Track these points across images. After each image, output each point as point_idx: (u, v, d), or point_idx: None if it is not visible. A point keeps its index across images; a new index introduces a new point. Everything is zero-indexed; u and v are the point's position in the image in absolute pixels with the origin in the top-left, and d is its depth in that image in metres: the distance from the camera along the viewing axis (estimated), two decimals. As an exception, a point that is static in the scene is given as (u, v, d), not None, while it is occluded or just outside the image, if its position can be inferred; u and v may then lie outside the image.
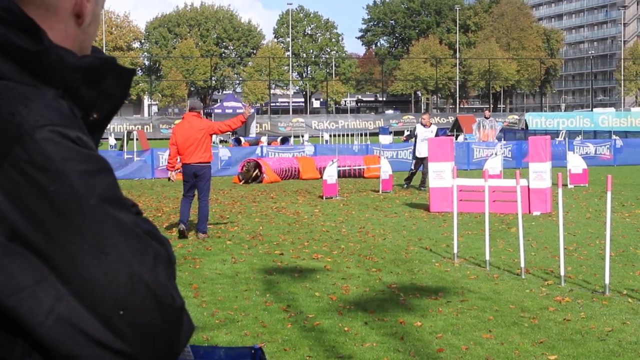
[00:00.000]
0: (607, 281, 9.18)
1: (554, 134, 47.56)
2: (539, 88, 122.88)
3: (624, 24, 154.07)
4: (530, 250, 12.14)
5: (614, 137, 39.60)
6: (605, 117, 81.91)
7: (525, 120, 77.14)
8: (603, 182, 22.04)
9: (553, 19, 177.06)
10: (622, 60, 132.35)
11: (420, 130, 22.67)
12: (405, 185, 22.99)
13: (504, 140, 38.26)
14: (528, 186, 16.98)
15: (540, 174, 16.96)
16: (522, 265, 10.30)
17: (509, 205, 15.73)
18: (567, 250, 11.79)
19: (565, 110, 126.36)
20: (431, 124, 23.06)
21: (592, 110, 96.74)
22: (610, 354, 6.86)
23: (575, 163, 23.45)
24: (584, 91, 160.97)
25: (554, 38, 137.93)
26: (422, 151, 22.00)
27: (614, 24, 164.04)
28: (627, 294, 9.12)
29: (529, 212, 16.78)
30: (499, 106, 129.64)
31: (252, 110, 13.36)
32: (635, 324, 7.81)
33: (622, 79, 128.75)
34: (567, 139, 34.34)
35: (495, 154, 25.75)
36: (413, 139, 23.10)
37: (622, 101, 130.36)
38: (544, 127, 74.23)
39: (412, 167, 22.98)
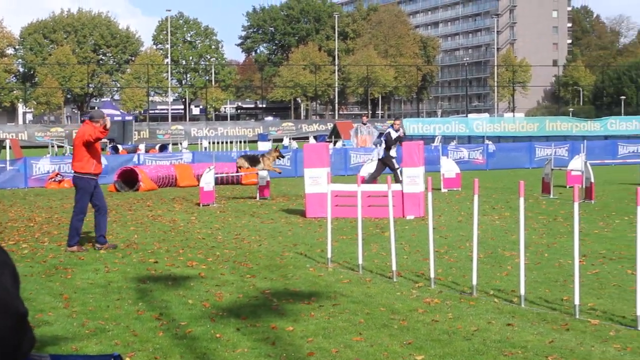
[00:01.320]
0: (474, 282, 9.43)
1: (431, 139, 48.49)
2: (416, 94, 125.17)
3: (497, 31, 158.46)
4: (403, 253, 12.35)
5: (487, 142, 40.69)
6: (479, 123, 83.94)
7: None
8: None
9: (429, 27, 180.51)
10: (496, 67, 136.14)
11: (393, 135, 22.89)
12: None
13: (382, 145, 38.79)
14: (402, 191, 17.27)
15: (413, 178, 17.28)
16: (394, 268, 10.47)
17: (384, 210, 15.94)
18: (438, 253, 12.07)
19: (441, 116, 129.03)
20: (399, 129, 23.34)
21: (467, 116, 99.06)
22: (475, 352, 7.04)
23: (449, 168, 24.00)
24: (459, 97, 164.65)
25: (431, 45, 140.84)
26: (394, 154, 22.82)
27: (487, 31, 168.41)
28: (494, 294, 9.38)
29: (403, 216, 17.07)
30: (377, 112, 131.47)
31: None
32: (499, 323, 8.04)
33: (496, 85, 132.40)
34: (442, 144, 35.10)
35: (372, 159, 26.10)
36: (383, 144, 23.06)
37: (496, 107, 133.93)
38: (421, 132, 75.51)
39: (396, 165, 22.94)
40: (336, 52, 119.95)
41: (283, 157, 23.90)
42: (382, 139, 23.37)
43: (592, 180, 19.68)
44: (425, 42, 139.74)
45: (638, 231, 7.85)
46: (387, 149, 22.75)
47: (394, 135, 22.71)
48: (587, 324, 7.91)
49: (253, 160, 22.40)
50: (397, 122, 23.49)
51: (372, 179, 22.47)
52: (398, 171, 22.26)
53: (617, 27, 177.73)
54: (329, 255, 11.67)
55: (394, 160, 22.77)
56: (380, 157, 22.84)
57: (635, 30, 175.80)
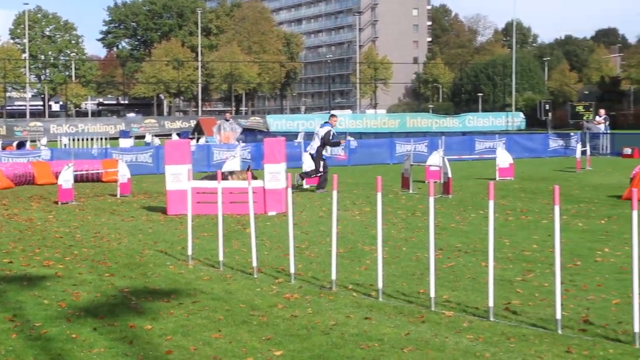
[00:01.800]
0: (334, 277, 9.53)
1: (295, 135, 48.69)
2: (279, 91, 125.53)
3: (360, 29, 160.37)
4: (264, 249, 12.37)
5: (349, 138, 41.14)
6: (342, 119, 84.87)
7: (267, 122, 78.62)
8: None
9: (293, 24, 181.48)
10: (358, 64, 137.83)
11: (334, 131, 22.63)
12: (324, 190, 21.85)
13: (245, 142, 38.80)
14: (264, 187, 17.30)
15: (275, 175, 17.33)
16: (255, 264, 10.49)
17: (245, 206, 15.93)
18: (298, 249, 12.16)
19: (305, 113, 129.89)
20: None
21: (330, 112, 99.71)
22: (333, 346, 7.12)
23: (311, 164, 24.11)
24: (322, 94, 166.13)
25: (294, 42, 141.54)
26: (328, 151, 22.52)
27: (350, 29, 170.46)
28: (353, 288, 9.51)
29: (265, 213, 17.11)
30: (241, 109, 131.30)
31: None
32: (357, 316, 8.15)
33: (358, 82, 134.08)
34: (304, 140, 35.31)
35: (234, 156, 26.05)
36: (318, 141, 22.35)
37: (358, 103, 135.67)
38: (285, 129, 76.00)
39: (321, 169, 22.20)
40: (199, 48, 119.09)
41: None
42: (319, 135, 22.22)
43: (450, 175, 20.18)
44: (289, 38, 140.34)
45: (491, 224, 8.09)
46: (322, 146, 22.27)
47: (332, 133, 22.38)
48: (442, 316, 8.11)
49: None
50: (335, 118, 23.15)
51: (316, 174, 22.17)
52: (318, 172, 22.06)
53: (475, 25, 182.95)
54: (190, 253, 11.59)
55: (323, 162, 22.25)
56: (311, 152, 22.24)
57: (491, 29, 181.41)
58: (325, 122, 22.75)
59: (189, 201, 11.85)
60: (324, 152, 22.56)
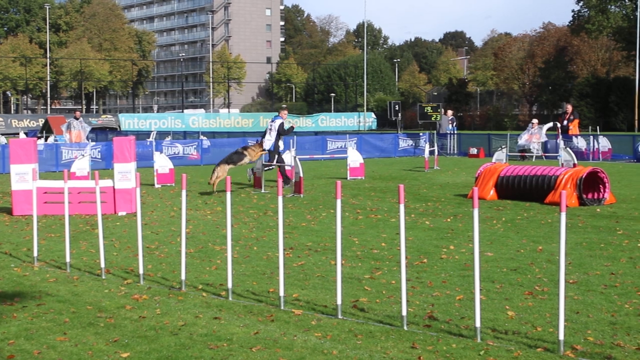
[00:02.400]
0: (183, 277, 9.46)
1: (147, 134, 48.03)
2: (131, 89, 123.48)
3: (213, 28, 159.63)
4: (113, 250, 12.17)
5: (201, 137, 40.90)
6: (195, 118, 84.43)
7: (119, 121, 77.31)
8: (188, 181, 22.63)
9: (145, 21, 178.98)
10: (211, 63, 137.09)
11: (286, 125, 22.16)
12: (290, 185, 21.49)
13: (96, 141, 38.09)
14: (113, 187, 17.01)
15: (125, 174, 17.05)
16: (103, 265, 10.30)
17: (94, 206, 15.63)
18: (148, 249, 12.02)
19: (157, 112, 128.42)
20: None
21: (183, 111, 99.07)
22: (181, 347, 7.07)
23: (162, 163, 23.92)
24: (175, 93, 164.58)
25: (146, 40, 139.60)
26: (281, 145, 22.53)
27: (203, 27, 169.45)
28: (202, 288, 9.46)
29: (115, 213, 16.83)
30: (92, 107, 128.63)
31: None
32: (207, 317, 8.12)
33: (211, 81, 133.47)
34: (156, 139, 34.90)
35: (83, 155, 25.51)
36: (275, 133, 21.97)
37: (212, 103, 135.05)
38: (137, 127, 74.86)
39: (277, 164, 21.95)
40: (48, 45, 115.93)
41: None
42: (273, 128, 22.17)
43: (302, 174, 20.32)
44: (141, 36, 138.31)
45: (338, 223, 8.20)
46: (279, 137, 22.25)
47: (286, 125, 22.32)
48: (291, 314, 8.16)
49: (235, 159, 21.62)
50: (285, 111, 23.13)
51: (283, 170, 21.93)
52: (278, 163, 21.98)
53: (327, 26, 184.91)
54: (35, 254, 11.29)
55: (278, 156, 22.26)
56: (270, 148, 22.05)
57: (343, 30, 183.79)
58: (276, 116, 22.97)
59: (34, 201, 11.53)
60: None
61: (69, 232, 11.07)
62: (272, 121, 22.64)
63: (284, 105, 27.06)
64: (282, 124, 22.34)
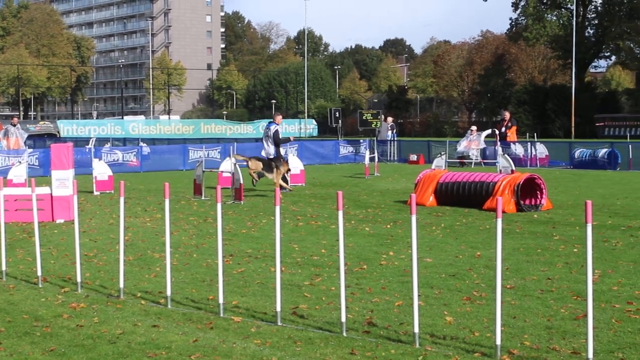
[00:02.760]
0: (122, 285, 9.38)
1: (86, 141, 47.50)
2: (70, 95, 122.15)
3: (152, 34, 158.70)
4: (50, 258, 12.02)
5: (141, 144, 40.60)
6: (135, 125, 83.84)
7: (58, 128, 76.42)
8: (128, 188, 22.45)
9: (84, 27, 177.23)
10: (151, 69, 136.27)
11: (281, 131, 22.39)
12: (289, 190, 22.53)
13: (34, 148, 37.62)
14: (51, 194, 16.80)
15: (63, 181, 16.85)
16: (40, 273, 10.16)
17: (31, 214, 15.42)
18: (87, 257, 11.89)
19: (97, 118, 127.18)
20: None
21: (122, 118, 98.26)
22: (119, 355, 7.00)
23: (101, 170, 23.69)
24: (115, 99, 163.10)
25: (85, 46, 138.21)
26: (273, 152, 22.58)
27: (142, 34, 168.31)
28: (141, 296, 9.39)
29: (53, 220, 16.62)
30: (29, 113, 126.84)
31: None
32: (145, 324, 8.05)
33: (151, 87, 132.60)
34: (95, 146, 34.54)
35: (20, 162, 25.15)
36: (271, 141, 22.10)
37: (152, 109, 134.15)
38: (76, 134, 74.08)
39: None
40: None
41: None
42: (269, 136, 22.60)
43: (242, 181, 20.28)
44: (80, 42, 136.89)
45: (277, 230, 8.20)
46: (277, 146, 22.45)
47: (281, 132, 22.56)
48: (230, 322, 8.13)
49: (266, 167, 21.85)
50: (279, 117, 23.33)
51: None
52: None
53: (268, 33, 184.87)
54: (-30, 263, 11.09)
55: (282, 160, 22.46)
56: (271, 156, 22.10)
57: (284, 37, 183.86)
58: (270, 122, 23.24)
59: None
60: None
61: (5, 240, 10.90)
62: (267, 128, 22.89)
63: (279, 112, 27.14)
64: (276, 132, 22.78)
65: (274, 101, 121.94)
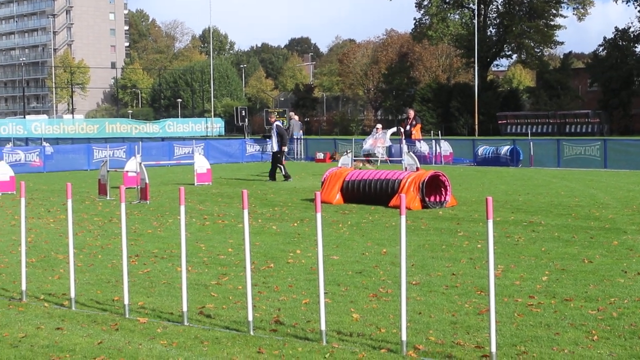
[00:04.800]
0: (24, 287, 9.19)
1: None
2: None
3: (54, 32, 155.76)
4: (-51, 261, 11.70)
5: (44, 143, 39.84)
6: (38, 124, 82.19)
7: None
8: (30, 188, 22.04)
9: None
10: (53, 67, 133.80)
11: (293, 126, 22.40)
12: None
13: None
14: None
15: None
16: (-62, 278, 9.89)
17: None
18: (-13, 260, 11.59)
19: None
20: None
21: (24, 117, 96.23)
22: (21, 359, 6.86)
23: (3, 170, 23.15)
24: (17, 98, 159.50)
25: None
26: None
27: (44, 31, 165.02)
28: (45, 298, 9.21)
29: (-49, 223, 16.19)
30: None
31: None
32: (49, 327, 7.90)
33: (54, 86, 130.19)
34: (-4, 146, 33.75)
35: None
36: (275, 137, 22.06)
37: (55, 108, 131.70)
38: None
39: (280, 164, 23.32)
40: None
41: None
42: (275, 132, 22.85)
43: (147, 181, 20.08)
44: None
45: (182, 229, 8.15)
46: (283, 143, 22.55)
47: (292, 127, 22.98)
48: (136, 323, 8.04)
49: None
50: (292, 113, 23.74)
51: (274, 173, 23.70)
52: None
53: (173, 31, 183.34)
54: None
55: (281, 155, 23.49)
56: (274, 150, 22.20)
57: (189, 35, 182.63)
58: (291, 118, 23.97)
59: None
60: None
61: None
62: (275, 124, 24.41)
63: (292, 110, 28.10)
64: (278, 125, 24.61)
65: (179, 100, 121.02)
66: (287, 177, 25.82)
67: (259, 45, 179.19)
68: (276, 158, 25.78)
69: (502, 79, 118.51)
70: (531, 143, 35.18)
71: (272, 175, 26.06)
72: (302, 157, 41.49)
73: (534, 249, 12.26)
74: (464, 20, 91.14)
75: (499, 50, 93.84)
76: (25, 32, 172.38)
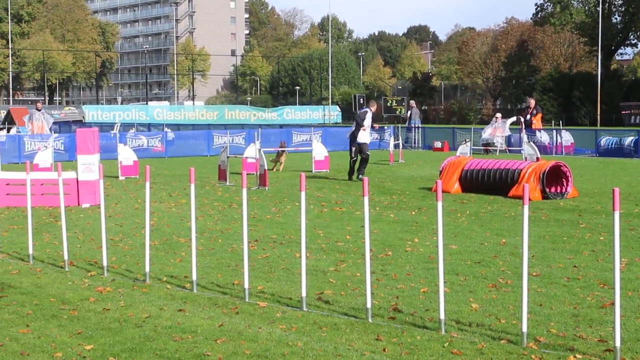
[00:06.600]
0: (147, 269, 9.42)
1: (111, 126, 47.71)
2: (95, 81, 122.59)
3: (177, 20, 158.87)
4: (77, 242, 12.08)
5: (166, 129, 40.72)
6: (160, 111, 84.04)
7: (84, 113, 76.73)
8: (153, 173, 22.56)
9: (108, 12, 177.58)
10: (175, 55, 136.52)
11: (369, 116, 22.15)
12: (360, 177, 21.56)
13: (59, 133, 37.84)
14: (77, 178, 16.88)
15: (88, 166, 16.92)
16: (66, 257, 10.22)
17: (58, 198, 15.52)
18: (112, 241, 11.95)
19: (122, 103, 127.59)
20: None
21: (147, 103, 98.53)
22: (145, 339, 7.03)
23: (126, 155, 23.79)
24: (139, 84, 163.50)
25: (110, 31, 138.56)
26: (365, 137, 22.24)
27: (167, 19, 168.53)
28: (167, 280, 9.42)
29: (79, 205, 16.71)
30: (55, 98, 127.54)
31: None
32: (171, 309, 8.08)
33: (176, 73, 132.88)
34: (120, 131, 34.69)
35: (46, 146, 25.30)
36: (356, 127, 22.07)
37: (176, 95, 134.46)
38: (101, 119, 74.42)
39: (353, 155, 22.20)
40: (9, 36, 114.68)
41: None
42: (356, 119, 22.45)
43: (266, 167, 20.29)
44: (104, 28, 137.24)
45: (303, 216, 8.20)
46: (357, 129, 22.13)
47: (368, 117, 22.18)
48: (255, 307, 8.15)
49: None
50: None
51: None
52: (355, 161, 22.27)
53: (292, 19, 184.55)
54: (-3, 246, 11.19)
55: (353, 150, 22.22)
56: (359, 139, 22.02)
57: (308, 23, 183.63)
58: (364, 107, 22.72)
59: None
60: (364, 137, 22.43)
61: (32, 224, 11.00)
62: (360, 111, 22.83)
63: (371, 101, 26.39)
64: (363, 112, 22.72)
65: (297, 87, 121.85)
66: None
67: (377, 33, 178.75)
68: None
69: (627, 68, 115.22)
70: (656, 134, 34.10)
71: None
72: (420, 145, 41.23)
73: (659, 242, 11.90)
74: (587, 7, 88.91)
75: (623, 38, 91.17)
76: (148, 20, 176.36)
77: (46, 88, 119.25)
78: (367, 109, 22.57)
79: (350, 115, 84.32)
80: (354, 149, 22.12)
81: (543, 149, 32.64)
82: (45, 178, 16.91)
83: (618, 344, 6.41)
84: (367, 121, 22.06)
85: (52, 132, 35.77)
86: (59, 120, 60.10)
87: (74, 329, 7.38)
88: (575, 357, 6.47)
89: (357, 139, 22.15)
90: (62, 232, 10.32)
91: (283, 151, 26.94)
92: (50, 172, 19.10)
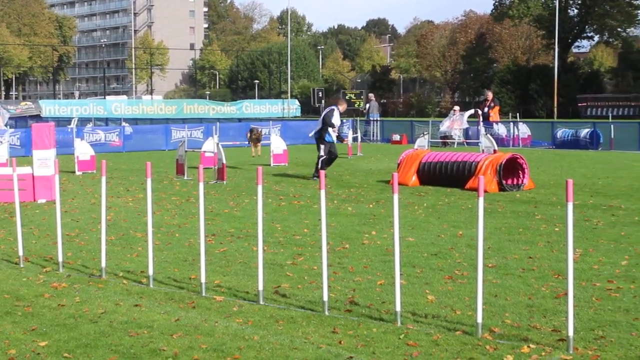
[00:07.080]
0: (104, 265, 9.36)
1: (68, 121, 47.30)
2: (52, 75, 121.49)
3: (135, 13, 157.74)
4: (32, 238, 11.97)
5: (124, 124, 40.47)
6: (118, 105, 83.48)
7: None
8: (110, 168, 22.39)
9: (65, 6, 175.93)
10: (133, 49, 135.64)
11: (336, 115, 20.87)
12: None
13: (15, 127, 37.46)
14: (33, 174, 16.71)
15: (44, 161, 16.76)
16: (21, 253, 10.12)
17: (13, 194, 15.34)
18: (68, 237, 11.85)
19: (79, 98, 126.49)
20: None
21: (105, 98, 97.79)
22: (100, 335, 6.99)
23: (83, 150, 23.61)
24: (97, 79, 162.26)
25: (67, 25, 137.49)
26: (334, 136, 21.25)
27: (125, 13, 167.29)
28: (123, 275, 9.37)
29: (35, 200, 16.55)
30: (11, 93, 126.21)
31: None
32: (127, 304, 8.04)
33: (134, 67, 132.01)
34: (77, 126, 34.41)
35: (1, 142, 25.03)
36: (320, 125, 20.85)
37: (135, 89, 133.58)
38: (59, 114, 73.75)
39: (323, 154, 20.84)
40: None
41: None
42: (322, 117, 20.98)
43: (224, 161, 20.24)
44: (61, 21, 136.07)
45: (259, 210, 8.19)
46: (323, 129, 20.81)
47: (335, 118, 20.75)
48: (212, 301, 8.13)
49: None
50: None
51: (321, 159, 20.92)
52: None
53: (251, 13, 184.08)
54: (-49, 243, 11.05)
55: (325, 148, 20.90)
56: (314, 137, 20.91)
57: (267, 17, 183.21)
58: (335, 105, 21.50)
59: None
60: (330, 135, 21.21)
61: (-14, 220, 10.87)
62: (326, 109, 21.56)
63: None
64: (330, 111, 21.16)
65: (257, 81, 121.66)
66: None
67: (337, 26, 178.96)
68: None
69: (583, 60, 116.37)
70: (612, 126, 34.53)
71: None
72: (379, 138, 41.36)
73: (613, 233, 12.05)
74: (544, 1, 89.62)
75: (580, 31, 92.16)
76: (106, 13, 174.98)
77: (2, 83, 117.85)
78: (334, 107, 21.50)
79: (310, 108, 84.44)
80: (322, 146, 21.00)
81: (500, 142, 32.89)
82: (0, 173, 16.71)
83: (571, 333, 6.48)
84: (337, 120, 21.20)
85: (8, 127, 35.38)
86: (15, 116, 59.58)
87: (29, 325, 7.31)
88: (529, 347, 6.53)
89: (326, 138, 21.08)
90: (17, 228, 10.22)
91: (257, 139, 27.20)
92: (5, 168, 18.90)
